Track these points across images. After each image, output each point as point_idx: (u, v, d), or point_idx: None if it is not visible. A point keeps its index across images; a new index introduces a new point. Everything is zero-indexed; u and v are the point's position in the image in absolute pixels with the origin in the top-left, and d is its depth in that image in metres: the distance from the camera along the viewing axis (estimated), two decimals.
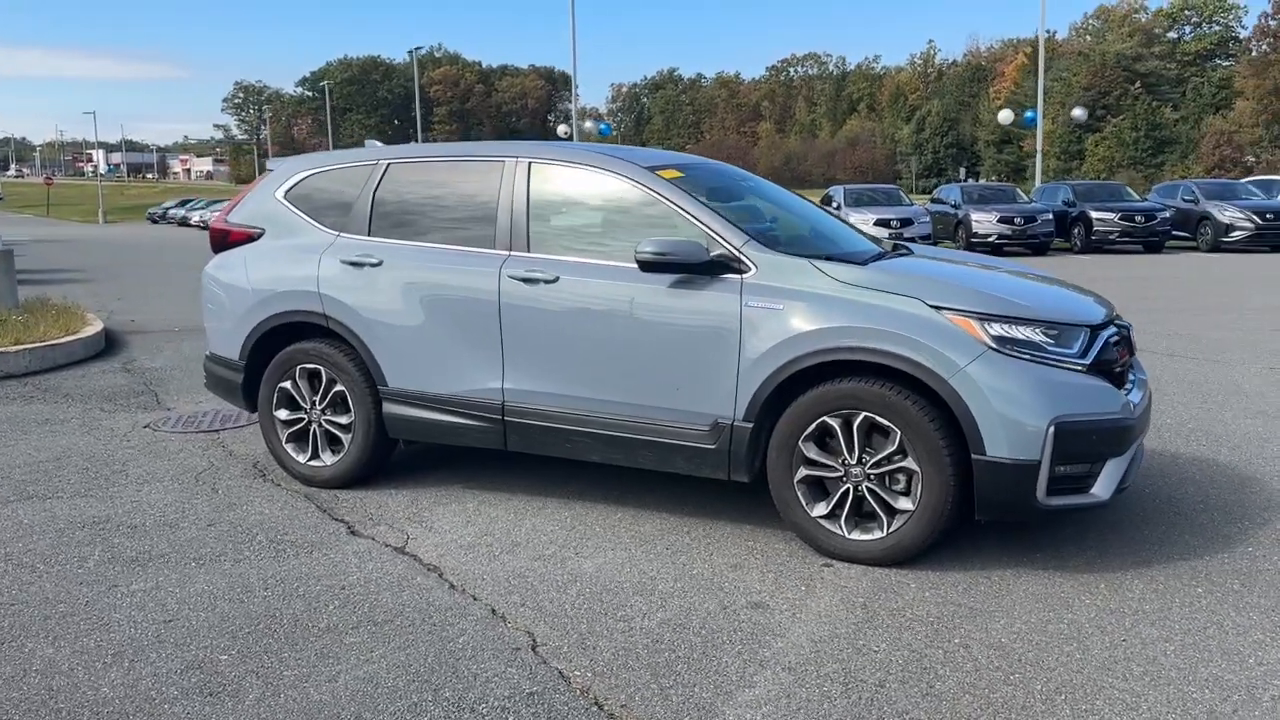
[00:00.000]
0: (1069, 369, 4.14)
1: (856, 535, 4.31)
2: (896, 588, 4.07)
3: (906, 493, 4.23)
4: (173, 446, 6.40)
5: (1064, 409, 4.04)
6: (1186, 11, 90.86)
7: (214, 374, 5.90)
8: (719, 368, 4.47)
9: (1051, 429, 4.00)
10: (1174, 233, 25.61)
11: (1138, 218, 25.04)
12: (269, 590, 4.08)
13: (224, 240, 5.87)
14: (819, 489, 4.41)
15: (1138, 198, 27.75)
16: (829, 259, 4.55)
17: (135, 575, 4.25)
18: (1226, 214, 24.62)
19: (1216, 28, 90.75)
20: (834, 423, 4.28)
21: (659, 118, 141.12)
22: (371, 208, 5.41)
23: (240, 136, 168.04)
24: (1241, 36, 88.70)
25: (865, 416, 4.21)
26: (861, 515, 4.33)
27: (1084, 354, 4.21)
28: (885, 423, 4.17)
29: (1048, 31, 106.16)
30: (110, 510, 5.11)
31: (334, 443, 5.48)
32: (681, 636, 3.65)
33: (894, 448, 4.18)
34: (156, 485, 5.55)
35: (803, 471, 4.38)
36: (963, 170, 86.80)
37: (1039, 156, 37.07)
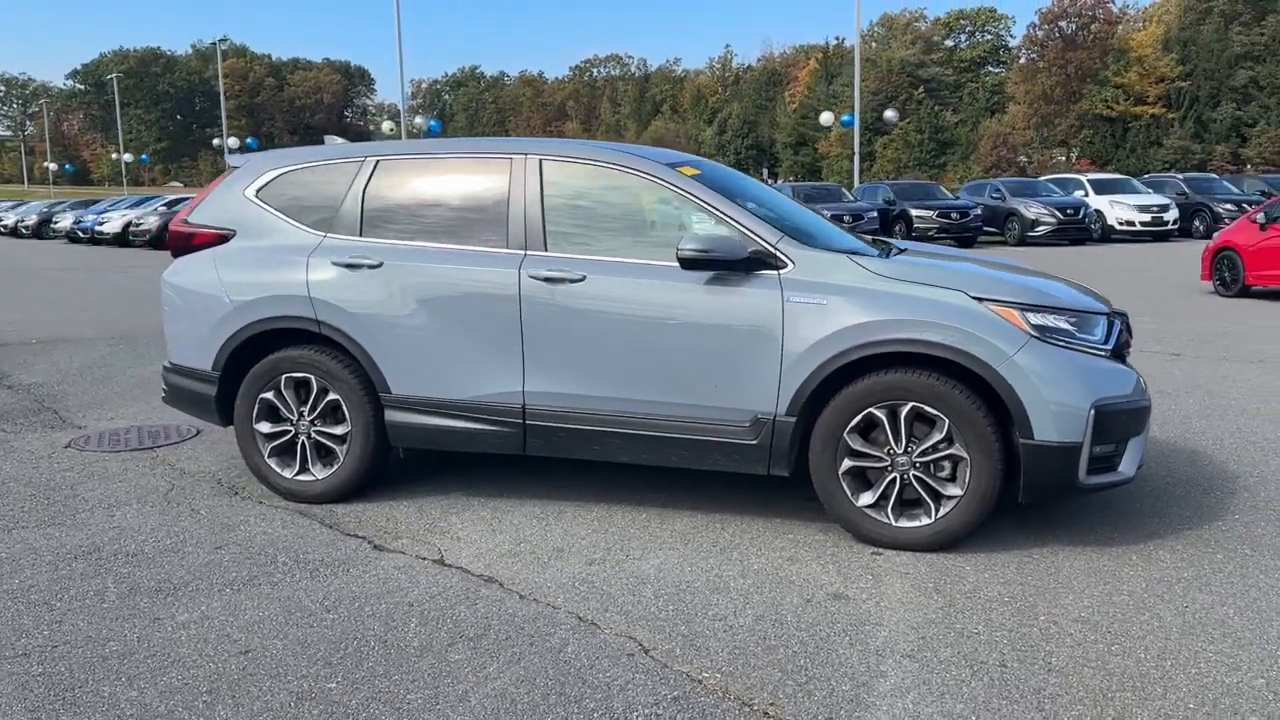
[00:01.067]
0: (1096, 354, 4.41)
1: (904, 523, 4.43)
2: (956, 572, 4.21)
3: (951, 479, 4.39)
4: (113, 467, 5.90)
5: (1099, 392, 4.29)
6: (961, 21, 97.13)
7: (178, 387, 5.48)
8: (761, 363, 4.50)
9: (1092, 411, 4.24)
10: (984, 228, 27.37)
11: (953, 214, 26.67)
12: (332, 612, 3.85)
13: (187, 243, 5.47)
14: (860, 479, 4.51)
15: (951, 196, 29.55)
16: (857, 254, 4.67)
17: (173, 606, 3.91)
18: (1032, 210, 26.55)
19: (989, 37, 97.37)
20: (880, 414, 4.39)
21: (462, 115, 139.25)
22: (362, 207, 5.16)
23: (3, 133, 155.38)
24: (1010, 45, 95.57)
25: (913, 406, 4.34)
26: (904, 503, 4.46)
27: (1106, 340, 4.49)
28: (933, 412, 4.32)
29: (836, 38, 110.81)
30: (93, 538, 4.67)
31: (324, 455, 5.20)
32: (785, 631, 3.67)
33: (941, 436, 4.33)
34: (127, 509, 5.11)
35: (847, 463, 4.47)
36: (765, 171, 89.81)
37: (856, 158, 38.95)
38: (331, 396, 5.10)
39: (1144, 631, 3.65)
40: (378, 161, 5.24)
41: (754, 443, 4.56)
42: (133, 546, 4.57)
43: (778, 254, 4.56)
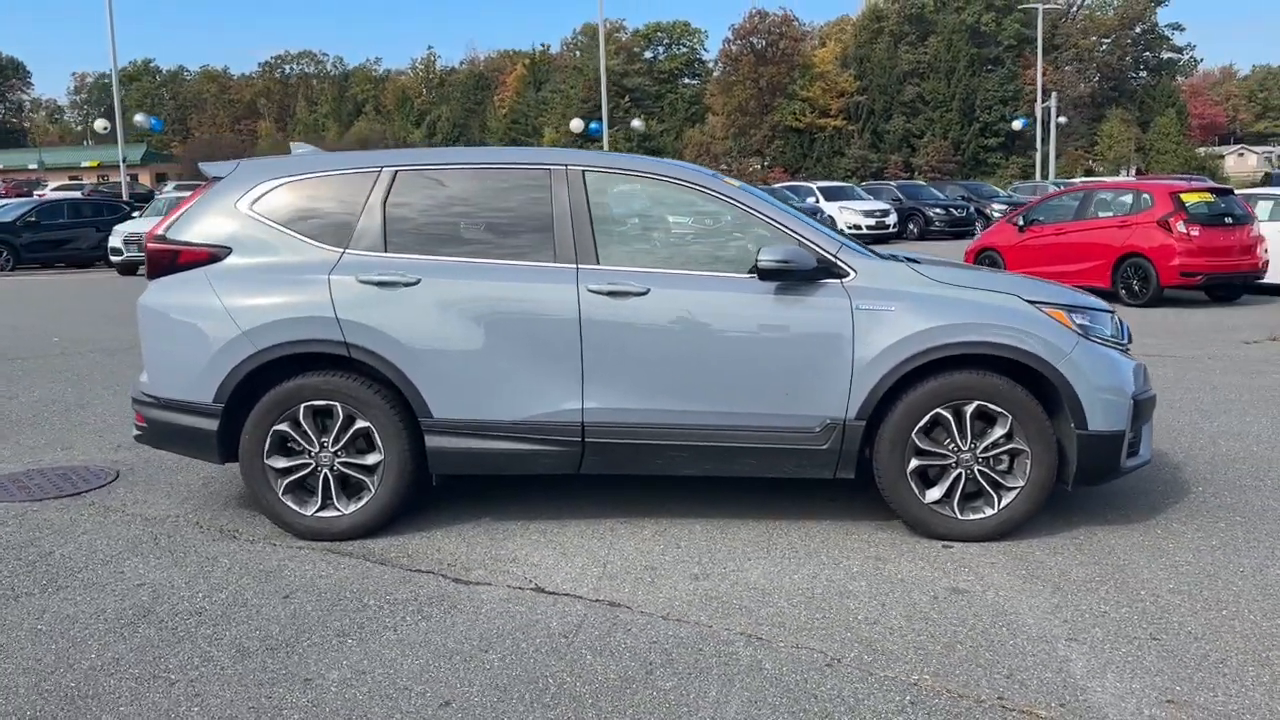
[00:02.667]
0: (1121, 349, 4.89)
1: (968, 515, 4.71)
2: (1034, 559, 4.51)
3: (1009, 472, 4.71)
4: (56, 519, 5.15)
5: (1133, 383, 4.76)
6: (659, 33, 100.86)
7: (163, 423, 4.87)
8: (832, 370, 4.64)
9: (1132, 401, 4.71)
10: None
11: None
12: (491, 652, 3.61)
13: (171, 262, 4.87)
14: (922, 477, 4.75)
15: None
16: (912, 260, 4.91)
17: (310, 663, 3.53)
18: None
19: (684, 49, 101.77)
20: (946, 413, 4.65)
21: (134, 111, 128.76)
22: (384, 221, 4.82)
23: None
24: (704, 58, 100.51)
25: (978, 405, 4.63)
26: (965, 497, 4.74)
27: (1120, 335, 4.98)
28: (996, 409, 4.62)
29: (542, 45, 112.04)
30: (131, 600, 4.10)
31: (347, 488, 4.82)
32: (944, 629, 3.82)
33: (1004, 431, 4.64)
34: (131, 563, 4.51)
35: (914, 462, 4.69)
36: None
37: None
38: (360, 424, 4.72)
39: (1233, 595, 4.09)
40: (396, 173, 4.90)
41: (824, 447, 4.69)
42: (186, 604, 4.05)
43: (839, 263, 4.71)
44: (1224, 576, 4.29)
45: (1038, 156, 46.74)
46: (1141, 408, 4.78)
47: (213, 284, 4.78)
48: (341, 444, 4.76)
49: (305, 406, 4.72)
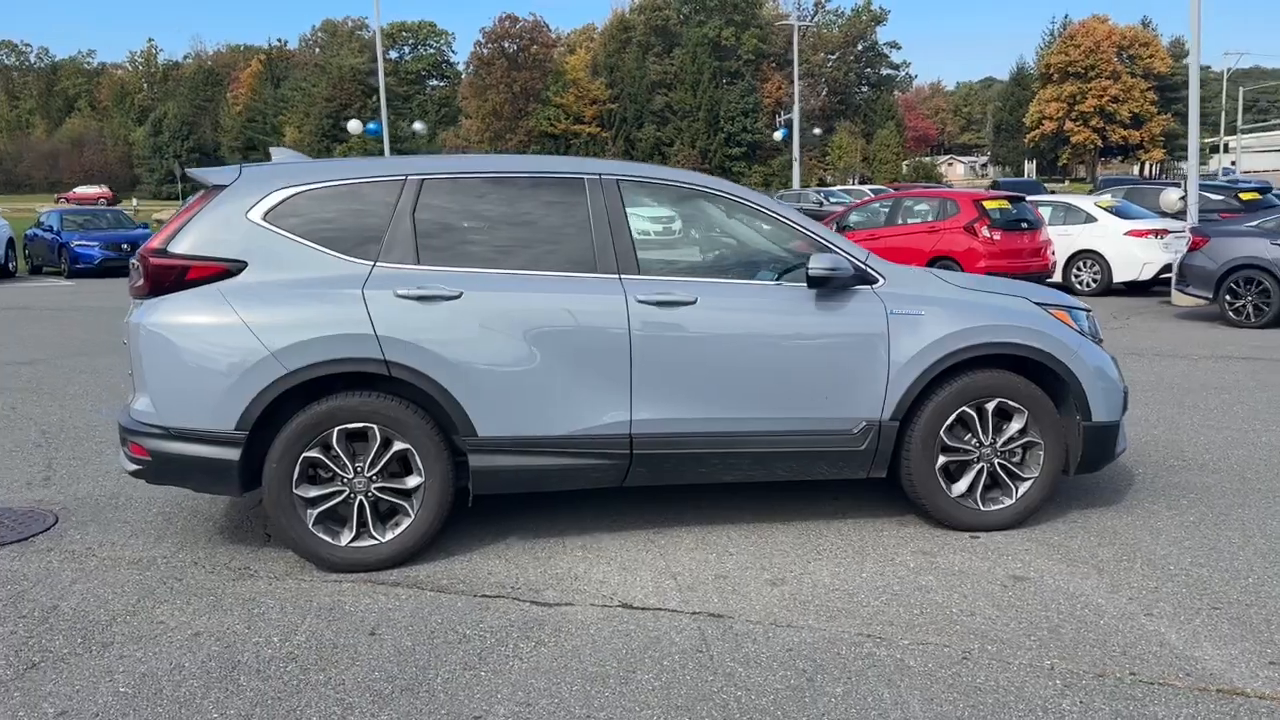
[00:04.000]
0: (1100, 343, 5.32)
1: (990, 507, 4.99)
2: (1060, 544, 4.82)
3: (1023, 464, 5.03)
4: (26, 569, 4.55)
5: (1119, 375, 5.21)
6: (404, 33, 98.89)
7: (173, 456, 4.37)
8: (870, 373, 4.80)
9: (1125, 392, 5.15)
10: None
11: None
12: (646, 673, 3.50)
13: (179, 278, 4.39)
14: (945, 472, 4.99)
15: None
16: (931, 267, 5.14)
17: (467, 702, 3.31)
18: None
19: (431, 50, 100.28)
20: (971, 411, 4.91)
21: None
22: (415, 231, 4.56)
23: None
24: (452, 60, 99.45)
25: (998, 402, 4.92)
26: (984, 489, 5.02)
27: (1097, 332, 5.42)
28: (1014, 405, 4.93)
29: (278, 40, 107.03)
30: (209, 649, 3.69)
31: (380, 513, 4.52)
32: (1038, 616, 4.01)
33: (1021, 425, 4.96)
34: (170, 610, 4.05)
35: (942, 459, 4.93)
36: None
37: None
38: (399, 446, 4.45)
39: (1246, 565, 4.52)
40: (423, 181, 4.64)
41: (861, 448, 4.84)
42: (269, 651, 3.69)
43: (870, 270, 4.88)
44: (1224, 549, 4.75)
45: (796, 166, 49.35)
46: (1126, 398, 5.23)
47: (231, 301, 4.36)
48: (378, 468, 4.46)
49: (339, 430, 4.40)
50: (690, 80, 78.32)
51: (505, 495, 5.24)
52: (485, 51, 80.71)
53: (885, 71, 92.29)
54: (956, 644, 3.77)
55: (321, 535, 4.44)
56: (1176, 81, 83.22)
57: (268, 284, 4.41)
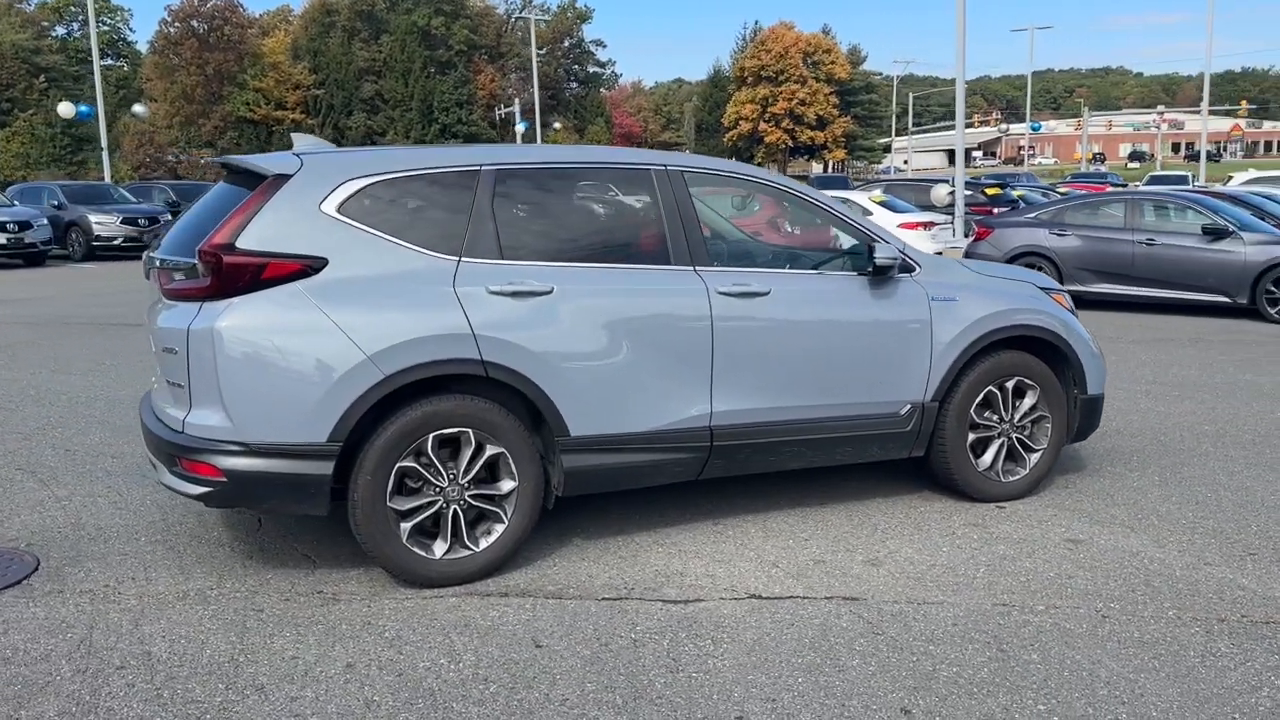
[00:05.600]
0: None
1: (1008, 478, 5.33)
2: (1095, 511, 5.19)
3: (1032, 436, 5.41)
4: (49, 613, 3.87)
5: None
6: (72, 8, 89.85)
7: (257, 474, 3.85)
8: (917, 357, 5.00)
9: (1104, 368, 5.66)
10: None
11: (141, 220, 23.90)
12: (872, 662, 3.52)
13: (255, 277, 3.86)
14: (973, 448, 5.28)
15: (132, 199, 26.17)
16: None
17: (704, 705, 3.18)
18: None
19: (105, 27, 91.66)
20: (995, 389, 5.23)
21: None
22: (495, 224, 4.27)
23: None
24: (129, 39, 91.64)
25: (1018, 380, 5.27)
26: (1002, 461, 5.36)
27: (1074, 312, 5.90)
28: (1029, 382, 5.29)
29: None
30: (377, 683, 3.32)
31: (468, 522, 4.23)
32: (1121, 574, 4.33)
33: (1034, 401, 5.33)
34: (281, 646, 3.59)
35: (971, 436, 5.22)
36: None
37: (105, 155, 34.45)
38: (492, 451, 4.17)
39: (1266, 512, 5.10)
40: (498, 171, 4.36)
41: (908, 429, 5.04)
42: (435, 679, 3.36)
43: (909, 259, 5.09)
44: (1206, 501, 5.34)
45: None
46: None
47: (318, 301, 3.91)
48: (471, 475, 4.16)
49: (434, 436, 4.06)
50: (401, 69, 76.36)
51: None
52: (173, 31, 74.80)
53: (592, 69, 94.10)
54: (1084, 605, 4.02)
55: (415, 549, 4.09)
56: (854, 86, 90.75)
57: (353, 282, 4.00)
